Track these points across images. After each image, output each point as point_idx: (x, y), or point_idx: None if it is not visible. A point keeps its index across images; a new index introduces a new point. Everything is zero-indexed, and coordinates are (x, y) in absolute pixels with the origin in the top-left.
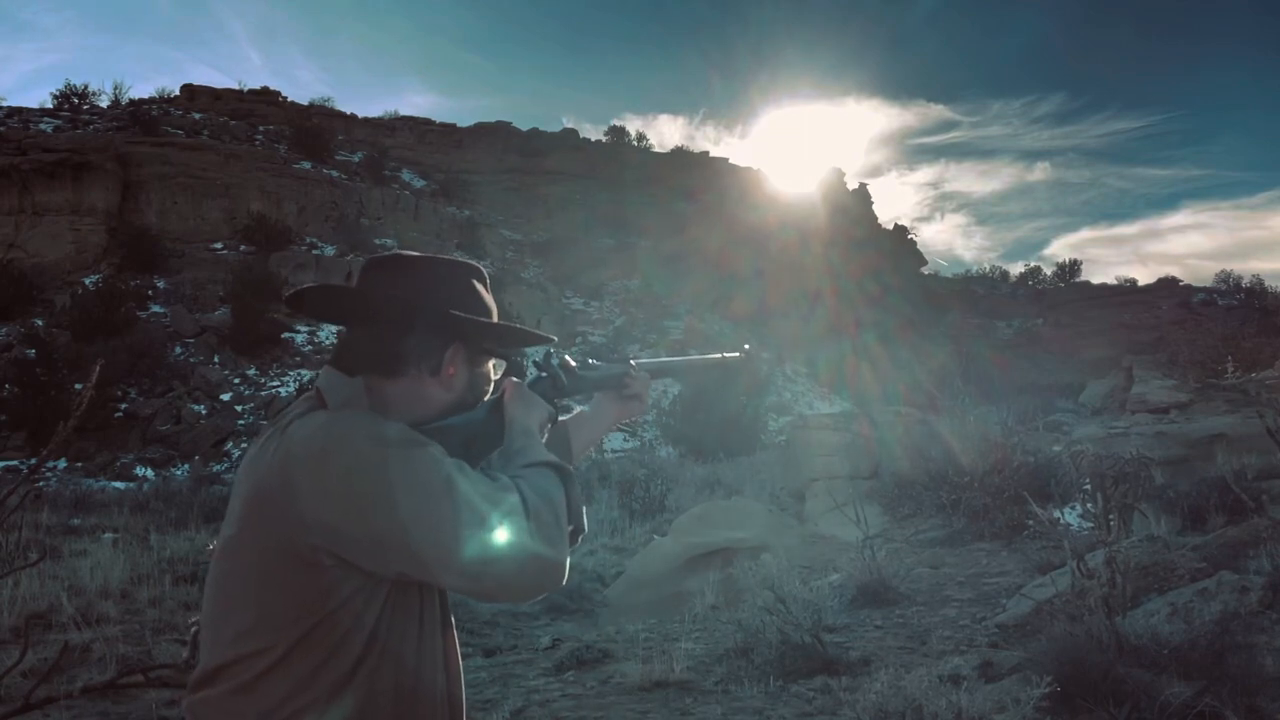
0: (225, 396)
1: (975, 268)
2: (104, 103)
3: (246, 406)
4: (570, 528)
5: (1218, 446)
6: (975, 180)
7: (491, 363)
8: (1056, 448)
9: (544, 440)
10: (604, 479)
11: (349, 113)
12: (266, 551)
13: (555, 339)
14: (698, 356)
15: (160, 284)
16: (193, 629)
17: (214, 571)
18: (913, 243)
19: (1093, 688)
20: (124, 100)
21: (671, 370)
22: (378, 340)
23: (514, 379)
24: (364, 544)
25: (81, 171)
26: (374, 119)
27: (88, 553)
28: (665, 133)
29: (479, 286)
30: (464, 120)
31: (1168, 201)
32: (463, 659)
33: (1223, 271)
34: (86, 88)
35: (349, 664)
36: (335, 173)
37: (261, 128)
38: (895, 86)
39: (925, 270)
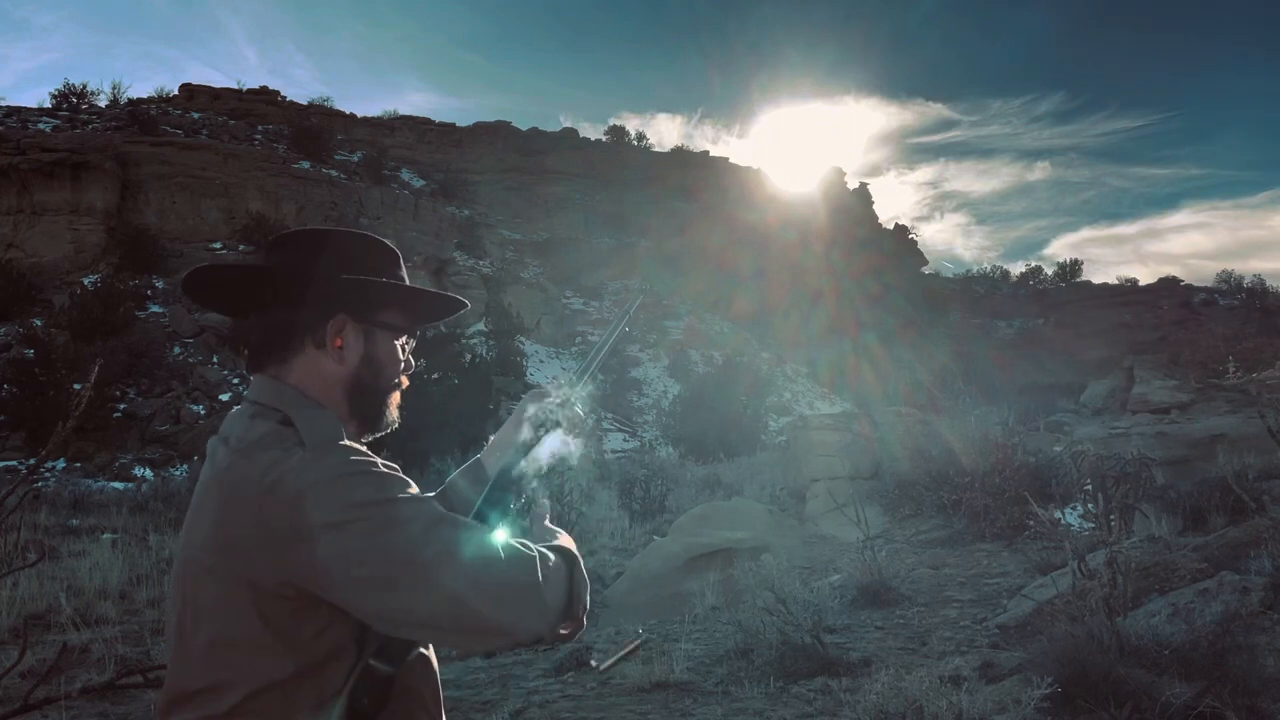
0: (224, 397)
1: (976, 267)
2: (102, 102)
3: None
4: (568, 620)
5: (1219, 447)
6: (975, 180)
7: (399, 342)
8: (1057, 448)
9: None
10: (604, 479)
11: (348, 112)
12: (238, 582)
13: (467, 303)
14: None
15: (159, 284)
16: None
17: (179, 587)
18: (913, 242)
19: (1093, 688)
20: (122, 100)
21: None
22: (264, 320)
23: (545, 506)
24: (356, 591)
25: (80, 171)
26: (373, 118)
27: (86, 553)
28: (664, 132)
29: (385, 263)
30: (463, 120)
31: (1168, 201)
32: (462, 660)
33: (1223, 271)
34: (85, 87)
35: (330, 692)
36: (334, 172)
37: (260, 127)
38: (894, 85)
39: (926, 270)
